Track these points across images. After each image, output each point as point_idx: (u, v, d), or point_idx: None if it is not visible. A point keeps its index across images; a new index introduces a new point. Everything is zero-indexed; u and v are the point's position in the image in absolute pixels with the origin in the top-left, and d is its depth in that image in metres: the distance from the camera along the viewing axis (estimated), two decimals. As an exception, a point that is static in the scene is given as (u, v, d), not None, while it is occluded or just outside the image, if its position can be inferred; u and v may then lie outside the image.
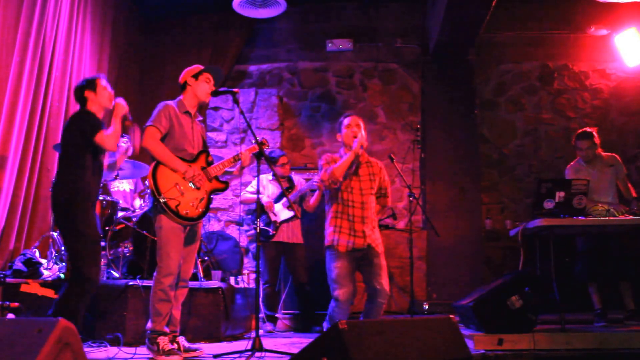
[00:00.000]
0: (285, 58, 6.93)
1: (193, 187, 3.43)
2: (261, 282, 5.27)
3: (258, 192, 3.69)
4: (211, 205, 3.58)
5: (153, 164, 3.39)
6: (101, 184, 5.09)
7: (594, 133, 4.73)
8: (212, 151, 6.48)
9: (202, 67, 3.63)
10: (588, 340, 3.49)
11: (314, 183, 4.92)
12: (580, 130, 4.81)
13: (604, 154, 4.76)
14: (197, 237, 3.61)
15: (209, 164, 3.59)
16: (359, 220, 3.90)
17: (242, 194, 5.60)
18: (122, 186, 5.30)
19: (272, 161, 5.15)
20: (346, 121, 4.12)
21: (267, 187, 5.37)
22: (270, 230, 5.15)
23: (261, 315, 5.15)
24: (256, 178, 5.31)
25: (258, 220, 3.55)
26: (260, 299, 5.23)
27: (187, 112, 3.56)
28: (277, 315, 5.30)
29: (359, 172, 4.04)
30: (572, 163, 4.85)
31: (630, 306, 4.54)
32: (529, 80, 6.86)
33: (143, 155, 3.91)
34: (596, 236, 4.51)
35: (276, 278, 5.32)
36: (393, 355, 2.49)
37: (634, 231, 4.19)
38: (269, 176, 5.41)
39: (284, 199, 5.17)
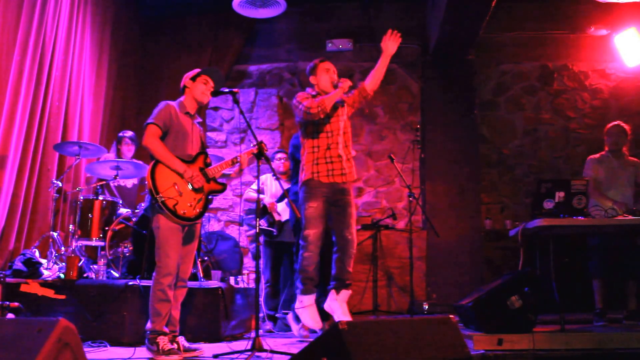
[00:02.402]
0: (285, 58, 6.93)
1: (191, 187, 3.44)
2: (263, 282, 5.28)
3: (258, 192, 3.69)
4: (211, 205, 3.60)
5: (152, 163, 3.39)
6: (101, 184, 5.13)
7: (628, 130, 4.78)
8: (212, 151, 6.53)
9: (199, 70, 3.66)
10: (587, 340, 3.49)
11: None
12: (615, 123, 4.84)
13: (629, 157, 4.78)
14: (196, 237, 3.62)
15: (207, 165, 3.60)
16: (336, 154, 3.91)
17: (246, 192, 5.60)
18: (125, 182, 5.29)
19: (270, 160, 5.15)
20: (325, 65, 4.05)
21: (272, 185, 5.37)
22: (274, 230, 5.16)
23: (261, 314, 5.15)
24: (261, 177, 5.34)
25: (258, 220, 3.55)
26: (262, 299, 5.24)
27: (187, 113, 3.57)
28: (277, 315, 5.30)
29: (338, 112, 4.02)
30: (596, 155, 4.84)
31: (632, 306, 4.54)
32: (529, 81, 6.86)
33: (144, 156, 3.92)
34: (605, 233, 4.51)
35: (278, 278, 5.33)
36: (393, 355, 2.49)
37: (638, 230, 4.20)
38: (269, 175, 5.42)
39: (286, 200, 5.17)
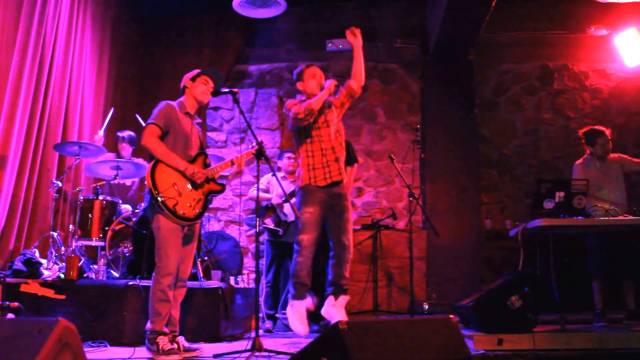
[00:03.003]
0: (285, 58, 6.92)
1: (191, 187, 3.44)
2: (264, 281, 5.28)
3: (258, 192, 3.68)
4: (211, 205, 3.61)
5: (152, 162, 3.39)
6: (101, 184, 5.12)
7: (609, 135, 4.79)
8: (212, 151, 6.53)
9: (199, 70, 3.67)
10: (588, 340, 3.49)
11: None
12: (593, 127, 4.85)
13: (609, 155, 4.80)
14: (195, 237, 3.62)
15: (207, 166, 3.60)
16: (332, 159, 3.89)
17: (250, 191, 5.59)
18: (123, 180, 5.29)
19: (270, 160, 5.15)
20: (311, 70, 4.04)
21: (277, 185, 5.32)
22: (280, 230, 5.16)
23: (261, 314, 5.14)
24: (266, 176, 5.34)
25: (258, 219, 3.55)
26: (263, 298, 5.24)
27: (187, 113, 3.58)
28: (277, 315, 5.31)
29: (328, 117, 3.98)
30: (580, 160, 4.86)
31: (631, 306, 4.55)
32: (529, 81, 6.86)
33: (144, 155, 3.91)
34: (603, 233, 4.52)
35: (279, 278, 5.33)
36: (393, 355, 2.49)
37: (638, 230, 4.20)
38: (281, 174, 5.40)
39: (293, 199, 5.17)
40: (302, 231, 3.79)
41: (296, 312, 3.79)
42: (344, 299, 3.87)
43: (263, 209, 5.23)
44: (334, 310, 3.82)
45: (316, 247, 3.84)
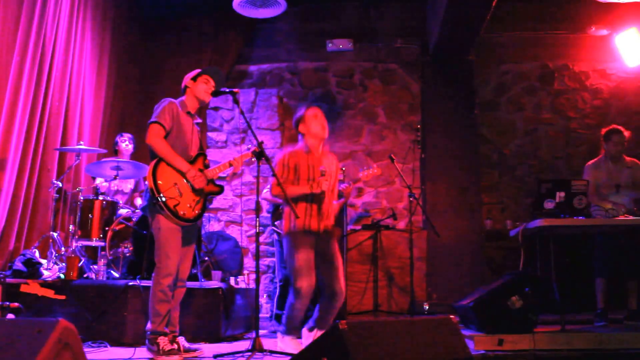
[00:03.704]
0: (285, 58, 6.92)
1: (191, 188, 3.44)
2: (276, 279, 5.25)
3: (258, 192, 3.68)
4: (211, 206, 3.60)
5: (153, 162, 3.38)
6: (101, 184, 5.13)
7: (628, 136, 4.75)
8: (212, 151, 6.53)
9: (200, 70, 3.66)
10: (588, 340, 3.49)
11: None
12: (611, 127, 4.80)
13: (626, 157, 4.77)
14: (194, 238, 3.63)
15: (206, 166, 3.60)
16: (316, 206, 3.67)
17: (264, 192, 5.52)
18: (123, 186, 5.31)
19: (270, 160, 5.11)
20: (312, 111, 3.81)
21: None
22: None
23: (268, 314, 5.12)
24: (258, 178, 5.29)
25: (258, 219, 3.54)
26: (275, 298, 5.23)
27: (188, 113, 3.57)
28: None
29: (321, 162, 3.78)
30: (592, 161, 4.84)
31: (633, 306, 4.54)
32: (529, 81, 6.85)
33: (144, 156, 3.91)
34: (606, 233, 4.50)
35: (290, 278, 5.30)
36: (393, 355, 2.48)
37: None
38: None
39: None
40: (298, 278, 3.54)
41: (286, 343, 3.64)
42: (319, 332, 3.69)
43: (274, 212, 5.21)
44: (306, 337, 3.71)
45: (314, 291, 3.64)
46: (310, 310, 3.87)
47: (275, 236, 5.32)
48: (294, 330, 3.66)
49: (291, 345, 3.61)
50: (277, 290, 5.20)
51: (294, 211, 3.56)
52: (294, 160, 3.75)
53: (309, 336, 3.72)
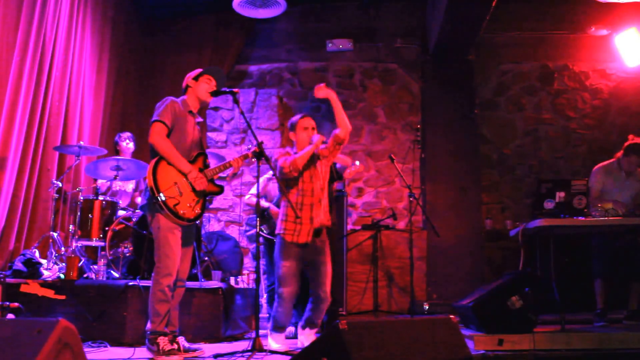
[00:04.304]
0: (285, 58, 6.92)
1: (191, 188, 3.43)
2: (267, 283, 5.26)
3: (258, 195, 3.68)
4: (211, 206, 3.60)
5: (153, 161, 3.36)
6: (101, 184, 5.13)
7: None
8: (212, 151, 6.52)
9: (201, 70, 3.66)
10: (588, 340, 3.49)
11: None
12: (635, 141, 4.63)
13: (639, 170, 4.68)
14: (194, 238, 3.63)
15: (206, 166, 3.59)
16: (307, 216, 3.79)
17: (246, 197, 5.51)
18: (125, 186, 5.30)
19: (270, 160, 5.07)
20: (304, 122, 3.94)
21: (266, 187, 5.20)
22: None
23: (267, 315, 5.10)
24: (263, 177, 5.23)
25: (258, 219, 3.54)
26: (265, 299, 5.22)
27: (190, 112, 3.56)
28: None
29: (314, 172, 3.90)
30: (602, 164, 4.73)
31: (633, 306, 4.54)
32: (529, 81, 6.85)
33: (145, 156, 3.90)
34: (607, 234, 4.48)
35: None
36: (393, 355, 2.49)
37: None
38: (268, 174, 5.16)
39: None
40: (282, 284, 3.74)
41: (274, 338, 3.80)
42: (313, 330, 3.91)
43: (261, 217, 5.17)
44: (306, 339, 3.83)
45: (297, 296, 3.83)
46: (302, 309, 4.05)
47: (261, 239, 5.23)
48: (279, 328, 3.83)
49: (277, 340, 3.79)
50: (267, 295, 5.21)
51: (293, 208, 3.64)
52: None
53: (302, 333, 3.89)
